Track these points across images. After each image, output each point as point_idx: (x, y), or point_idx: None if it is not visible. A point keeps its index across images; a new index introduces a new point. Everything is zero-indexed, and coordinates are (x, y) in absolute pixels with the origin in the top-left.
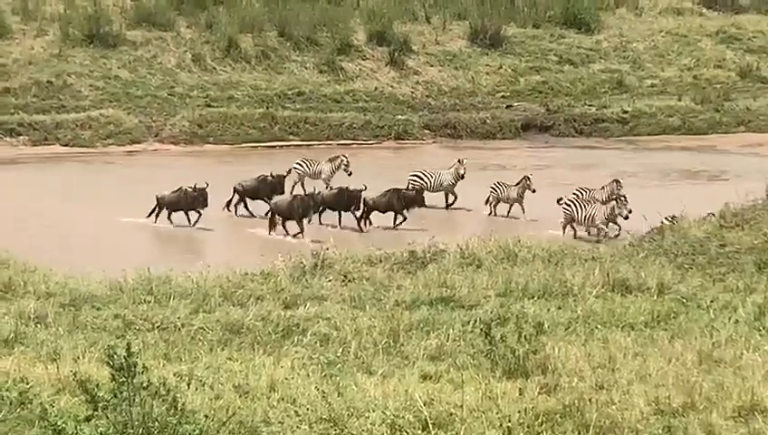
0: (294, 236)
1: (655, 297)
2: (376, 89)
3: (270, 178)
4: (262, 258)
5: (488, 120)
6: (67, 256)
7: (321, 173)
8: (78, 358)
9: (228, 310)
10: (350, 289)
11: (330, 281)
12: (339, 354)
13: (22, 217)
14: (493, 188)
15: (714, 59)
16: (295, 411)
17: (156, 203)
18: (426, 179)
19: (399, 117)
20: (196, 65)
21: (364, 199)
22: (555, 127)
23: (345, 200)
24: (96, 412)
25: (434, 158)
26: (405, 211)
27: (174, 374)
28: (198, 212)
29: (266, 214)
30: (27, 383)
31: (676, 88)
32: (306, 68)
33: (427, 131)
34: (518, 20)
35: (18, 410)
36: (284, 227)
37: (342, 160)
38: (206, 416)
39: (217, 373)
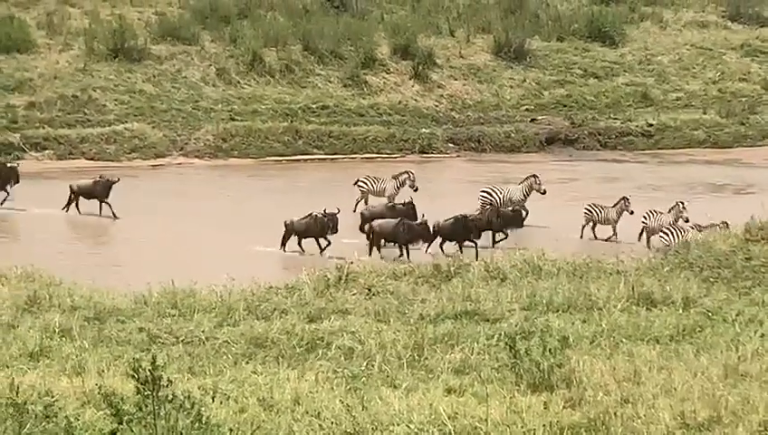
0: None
1: (680, 311)
2: (400, 102)
3: (401, 205)
4: (285, 272)
5: (512, 134)
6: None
7: (385, 190)
8: (103, 371)
9: (253, 323)
10: (374, 303)
11: (354, 294)
12: (363, 368)
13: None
14: (587, 210)
15: (739, 72)
16: (320, 425)
17: (285, 230)
18: (495, 195)
19: (423, 130)
20: (221, 79)
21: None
22: (580, 140)
23: (462, 229)
24: (121, 426)
25: (458, 171)
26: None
27: (198, 388)
28: (327, 240)
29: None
30: (52, 397)
31: (700, 101)
32: (330, 82)
33: (451, 145)
34: (542, 33)
35: (43, 423)
36: (378, 250)
37: (408, 177)
38: (231, 429)
39: (242, 387)
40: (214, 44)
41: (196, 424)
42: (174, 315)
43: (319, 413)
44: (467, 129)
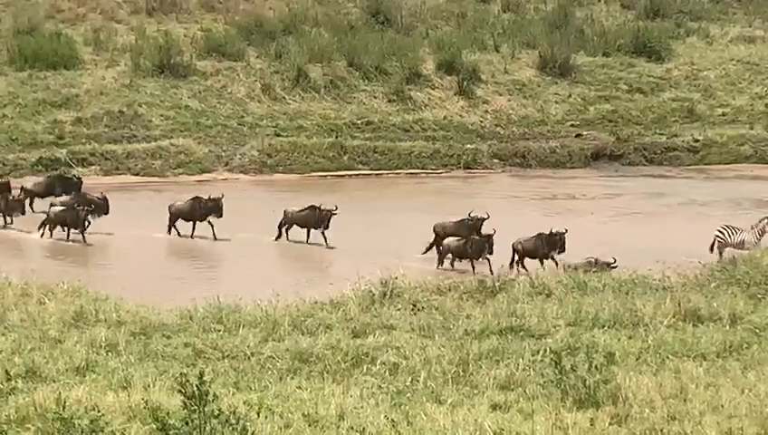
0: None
1: (727, 327)
2: (445, 118)
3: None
4: (331, 287)
5: (558, 150)
6: None
7: (743, 243)
8: (149, 386)
9: (298, 339)
10: (419, 318)
11: (399, 310)
12: (408, 383)
13: None
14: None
15: None
16: None
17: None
18: None
19: (468, 146)
20: (266, 95)
21: None
22: (625, 156)
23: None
24: None
25: (503, 187)
26: None
27: (244, 403)
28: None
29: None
30: (99, 411)
31: (747, 116)
32: (375, 97)
33: (496, 160)
34: (587, 49)
35: None
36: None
37: (765, 223)
38: None
39: (287, 402)
40: (259, 60)
41: None
42: (219, 330)
43: (364, 429)
44: (512, 144)
